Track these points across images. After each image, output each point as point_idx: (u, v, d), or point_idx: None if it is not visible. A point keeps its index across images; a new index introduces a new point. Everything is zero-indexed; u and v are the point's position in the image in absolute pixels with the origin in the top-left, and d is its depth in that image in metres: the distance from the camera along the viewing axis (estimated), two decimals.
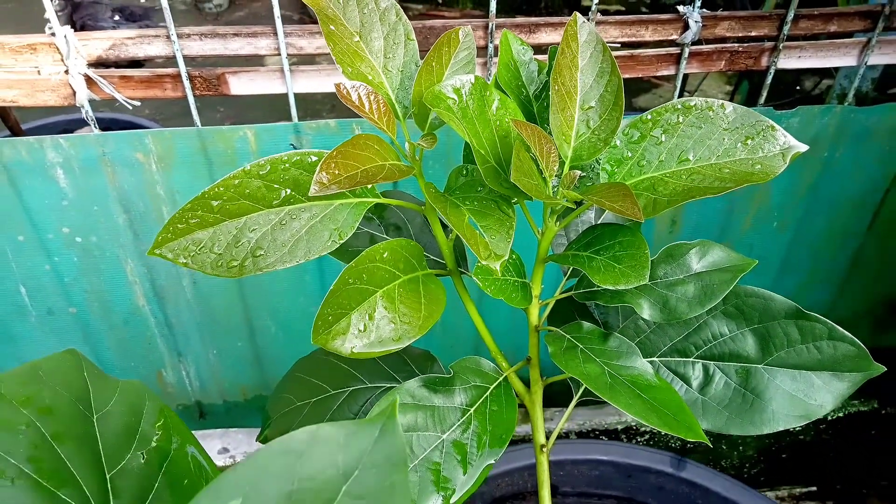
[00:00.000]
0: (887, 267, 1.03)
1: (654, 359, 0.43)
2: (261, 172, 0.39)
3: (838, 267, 1.03)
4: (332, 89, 0.81)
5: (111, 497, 0.29)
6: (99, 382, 0.35)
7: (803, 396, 0.39)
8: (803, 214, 0.96)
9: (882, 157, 0.91)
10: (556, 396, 1.07)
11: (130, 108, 0.78)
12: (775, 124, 0.38)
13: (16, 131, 1.22)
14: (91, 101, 0.77)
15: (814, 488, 1.31)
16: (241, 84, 0.79)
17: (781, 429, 0.39)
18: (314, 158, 0.40)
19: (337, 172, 0.34)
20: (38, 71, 0.76)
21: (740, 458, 1.22)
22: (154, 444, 0.33)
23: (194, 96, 0.78)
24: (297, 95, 0.79)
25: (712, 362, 0.42)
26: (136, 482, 0.30)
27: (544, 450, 0.46)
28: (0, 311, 0.93)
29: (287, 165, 0.40)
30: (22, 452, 0.28)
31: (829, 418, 1.18)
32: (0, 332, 0.94)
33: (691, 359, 0.42)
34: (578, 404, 1.13)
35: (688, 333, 0.42)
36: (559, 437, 1.02)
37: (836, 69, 0.95)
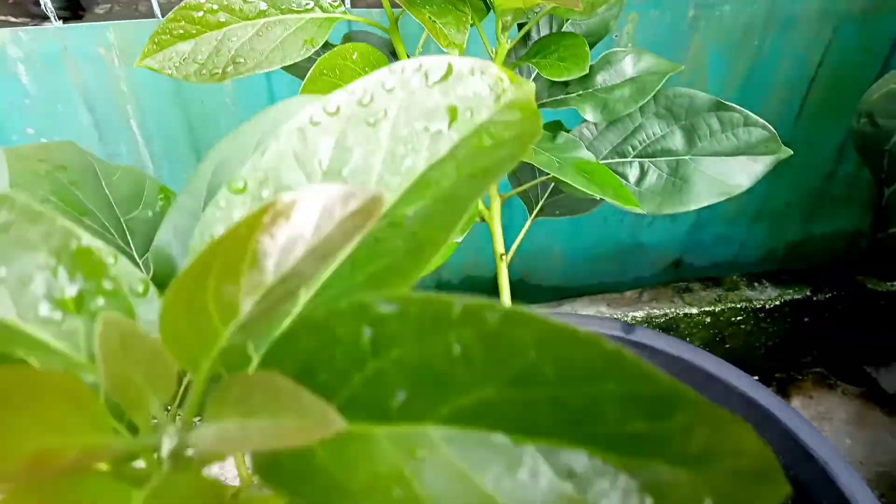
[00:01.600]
0: (814, 156, 1.11)
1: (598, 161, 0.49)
2: None
3: None
4: None
5: (127, 234, 0.33)
6: (101, 163, 0.38)
7: (724, 178, 0.45)
8: (736, 104, 1.03)
9: (807, 45, 0.98)
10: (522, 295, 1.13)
11: None
12: None
13: None
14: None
15: (755, 378, 1.41)
16: None
17: (704, 205, 0.45)
18: None
19: None
20: None
21: None
22: (158, 209, 0.37)
23: None
24: None
25: (647, 159, 0.48)
26: (146, 229, 0.35)
27: (504, 258, 0.52)
28: None
29: None
30: (46, 187, 0.32)
31: (767, 307, 1.28)
32: None
33: (629, 159, 0.48)
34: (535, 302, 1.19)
35: (626, 137, 0.48)
36: None
37: None
